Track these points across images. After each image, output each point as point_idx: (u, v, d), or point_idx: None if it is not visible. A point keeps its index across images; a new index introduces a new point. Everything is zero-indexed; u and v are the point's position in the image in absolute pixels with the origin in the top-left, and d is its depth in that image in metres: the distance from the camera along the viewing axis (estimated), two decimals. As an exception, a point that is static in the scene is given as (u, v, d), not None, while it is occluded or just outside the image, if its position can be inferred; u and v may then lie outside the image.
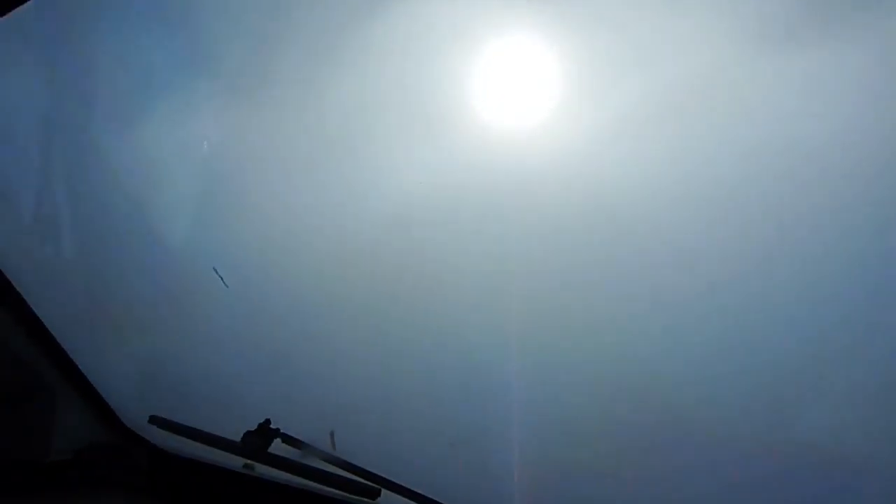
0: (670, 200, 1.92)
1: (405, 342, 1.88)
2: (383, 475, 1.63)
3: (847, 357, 1.63)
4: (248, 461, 1.80)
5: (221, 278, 1.85)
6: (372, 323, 1.91)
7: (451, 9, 1.94)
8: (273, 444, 1.78)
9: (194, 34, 1.94)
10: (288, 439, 1.77)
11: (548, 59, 1.96)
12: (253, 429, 1.78)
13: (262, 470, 1.77)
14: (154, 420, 1.90)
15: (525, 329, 1.83)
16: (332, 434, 1.69)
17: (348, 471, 1.68)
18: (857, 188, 1.73)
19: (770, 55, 1.79)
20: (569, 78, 1.92)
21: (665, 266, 1.81)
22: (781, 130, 1.81)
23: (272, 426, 1.78)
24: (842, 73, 1.75)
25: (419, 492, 1.58)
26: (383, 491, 1.62)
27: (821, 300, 1.70)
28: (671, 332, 1.76)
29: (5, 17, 1.18)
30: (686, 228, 1.87)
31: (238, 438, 1.78)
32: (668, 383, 1.71)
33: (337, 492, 1.66)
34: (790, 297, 1.70)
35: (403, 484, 1.60)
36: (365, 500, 1.63)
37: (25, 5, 1.22)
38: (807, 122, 1.77)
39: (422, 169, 2.01)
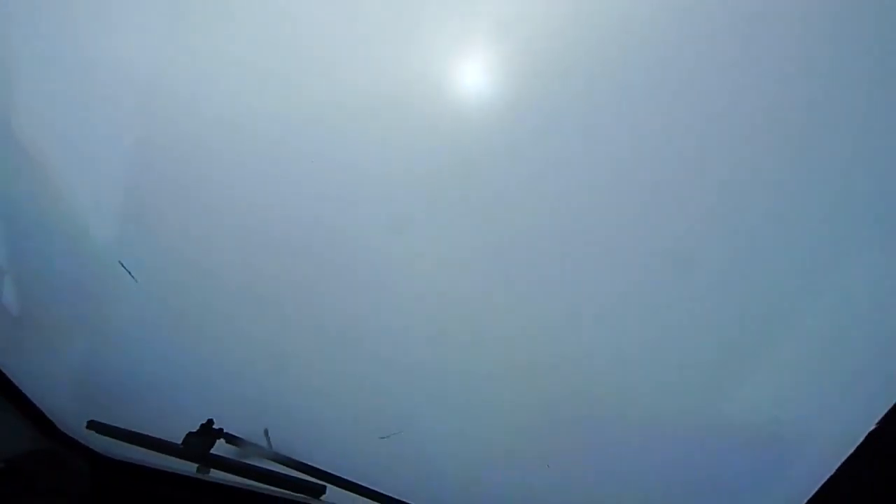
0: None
1: (336, 333, 1.85)
2: (328, 470, 1.60)
3: (784, 330, 1.65)
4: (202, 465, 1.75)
5: (129, 272, 1.77)
6: (304, 314, 1.86)
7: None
8: (217, 445, 1.74)
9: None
10: (232, 439, 1.73)
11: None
12: (195, 430, 1.73)
13: (214, 472, 1.73)
14: (92, 425, 1.83)
15: (456, 313, 1.81)
16: (266, 432, 1.66)
17: (294, 468, 1.65)
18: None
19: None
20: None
21: (603, 246, 1.78)
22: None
23: (215, 426, 1.73)
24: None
25: (363, 485, 1.56)
26: (329, 487, 1.60)
27: (754, 268, 1.69)
28: (597, 307, 1.75)
29: None
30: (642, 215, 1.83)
31: (180, 440, 1.73)
32: (599, 361, 1.72)
33: (284, 491, 1.63)
34: (723, 269, 1.69)
35: (348, 478, 1.58)
36: (311, 498, 1.61)
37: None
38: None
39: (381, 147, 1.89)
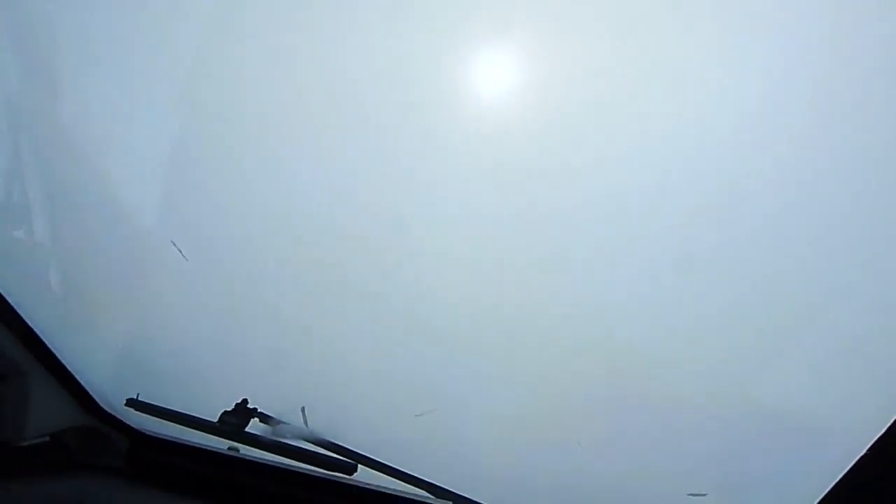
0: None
1: (373, 314, 1.90)
2: (358, 451, 1.66)
3: (810, 317, 1.66)
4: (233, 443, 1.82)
5: (180, 251, 1.84)
6: (342, 296, 1.91)
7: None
8: (251, 424, 1.80)
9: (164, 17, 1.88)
10: (265, 418, 1.79)
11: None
12: (230, 409, 1.79)
13: (244, 449, 1.79)
14: (131, 403, 1.91)
15: (489, 295, 1.85)
16: (303, 410, 1.71)
17: (325, 448, 1.71)
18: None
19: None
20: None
21: (626, 227, 1.80)
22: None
23: (249, 405, 1.80)
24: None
25: (393, 466, 1.61)
26: (359, 466, 1.65)
27: (782, 254, 1.70)
28: (628, 289, 1.77)
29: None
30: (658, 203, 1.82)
31: (216, 418, 1.80)
32: (625, 344, 1.74)
33: (315, 468, 1.69)
34: (750, 251, 1.70)
35: (378, 459, 1.63)
36: (342, 476, 1.66)
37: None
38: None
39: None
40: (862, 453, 0.99)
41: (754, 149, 1.66)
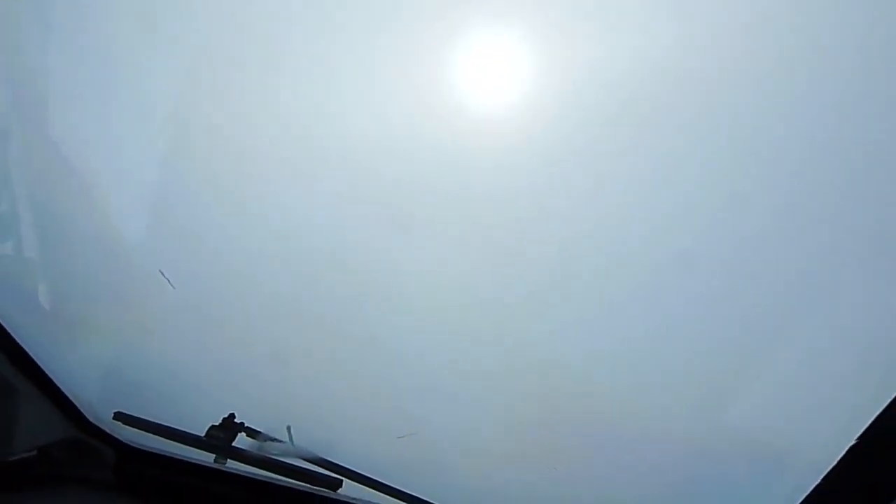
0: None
1: (357, 335, 1.94)
2: (345, 465, 1.69)
3: (778, 341, 1.72)
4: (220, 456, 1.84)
5: (168, 280, 1.86)
6: (325, 317, 1.94)
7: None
8: (238, 438, 1.82)
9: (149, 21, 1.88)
10: (252, 433, 1.82)
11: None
12: (217, 423, 1.82)
13: (231, 463, 1.81)
14: (119, 416, 1.92)
15: (470, 319, 1.89)
16: (289, 428, 1.74)
17: (312, 462, 1.74)
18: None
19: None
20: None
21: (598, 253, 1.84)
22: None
23: (236, 420, 1.82)
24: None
25: (379, 480, 1.64)
26: (345, 481, 1.68)
27: (750, 274, 1.74)
28: (609, 315, 1.82)
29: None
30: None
31: (203, 432, 1.82)
32: (602, 364, 1.80)
33: (301, 483, 1.72)
34: (716, 273, 1.75)
35: (364, 473, 1.66)
36: (328, 491, 1.69)
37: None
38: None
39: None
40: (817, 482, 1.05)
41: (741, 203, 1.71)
